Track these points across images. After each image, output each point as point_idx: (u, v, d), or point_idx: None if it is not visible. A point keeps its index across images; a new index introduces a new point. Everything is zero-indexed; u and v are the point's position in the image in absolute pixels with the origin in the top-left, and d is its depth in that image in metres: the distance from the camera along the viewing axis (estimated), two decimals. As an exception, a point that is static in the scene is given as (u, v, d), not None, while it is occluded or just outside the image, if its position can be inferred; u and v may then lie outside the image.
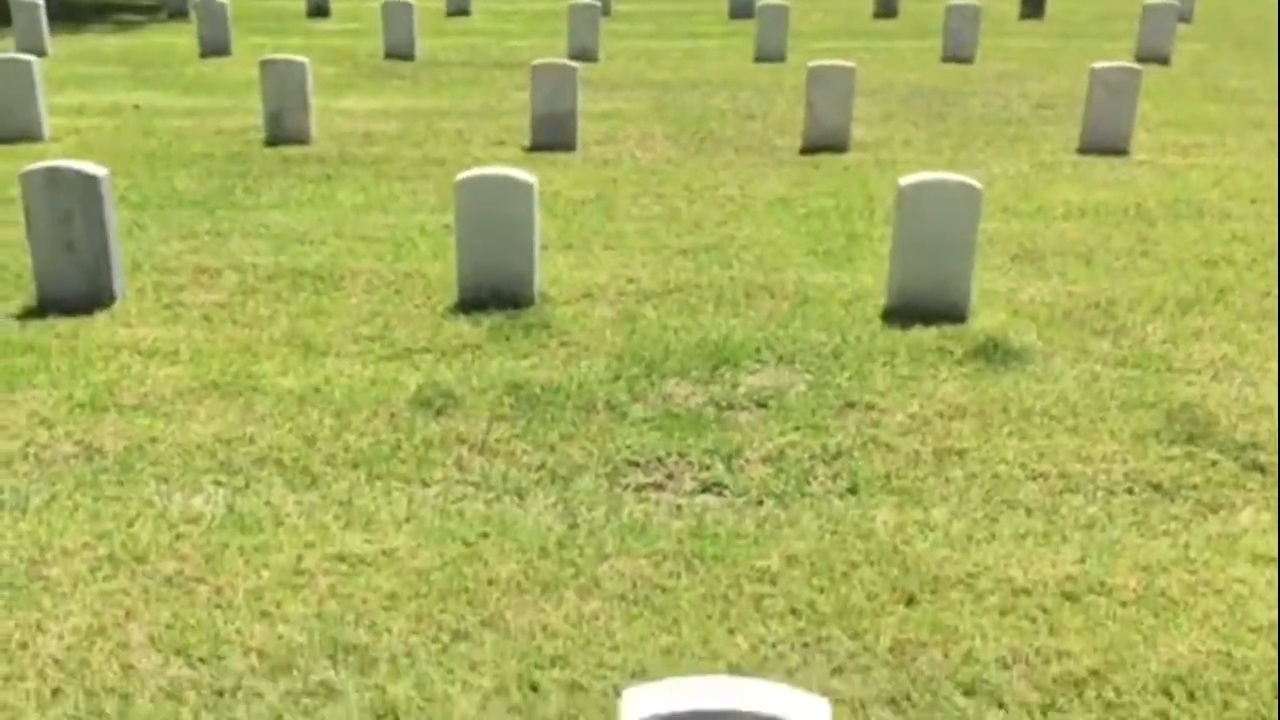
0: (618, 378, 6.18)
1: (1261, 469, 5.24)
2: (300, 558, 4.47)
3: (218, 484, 5.05)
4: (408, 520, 4.81)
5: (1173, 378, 6.22)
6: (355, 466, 5.23)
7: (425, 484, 5.12)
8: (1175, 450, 5.41)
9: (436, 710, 3.65)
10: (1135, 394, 6.01)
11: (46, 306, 7.05)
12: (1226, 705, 3.69)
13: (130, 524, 4.70)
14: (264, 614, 4.12)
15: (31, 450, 5.34)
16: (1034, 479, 5.18)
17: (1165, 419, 5.72)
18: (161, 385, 6.05)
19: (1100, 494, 5.05)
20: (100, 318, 6.98)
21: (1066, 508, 4.94)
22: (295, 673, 3.81)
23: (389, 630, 4.05)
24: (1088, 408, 5.86)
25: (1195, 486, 5.09)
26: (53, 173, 6.97)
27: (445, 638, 4.01)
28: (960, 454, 5.39)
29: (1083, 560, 4.49)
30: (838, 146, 11.69)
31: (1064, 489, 5.10)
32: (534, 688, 3.76)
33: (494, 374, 6.20)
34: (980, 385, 6.11)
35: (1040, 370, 6.32)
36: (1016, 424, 5.68)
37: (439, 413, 5.75)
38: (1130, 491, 5.08)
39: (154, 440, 5.42)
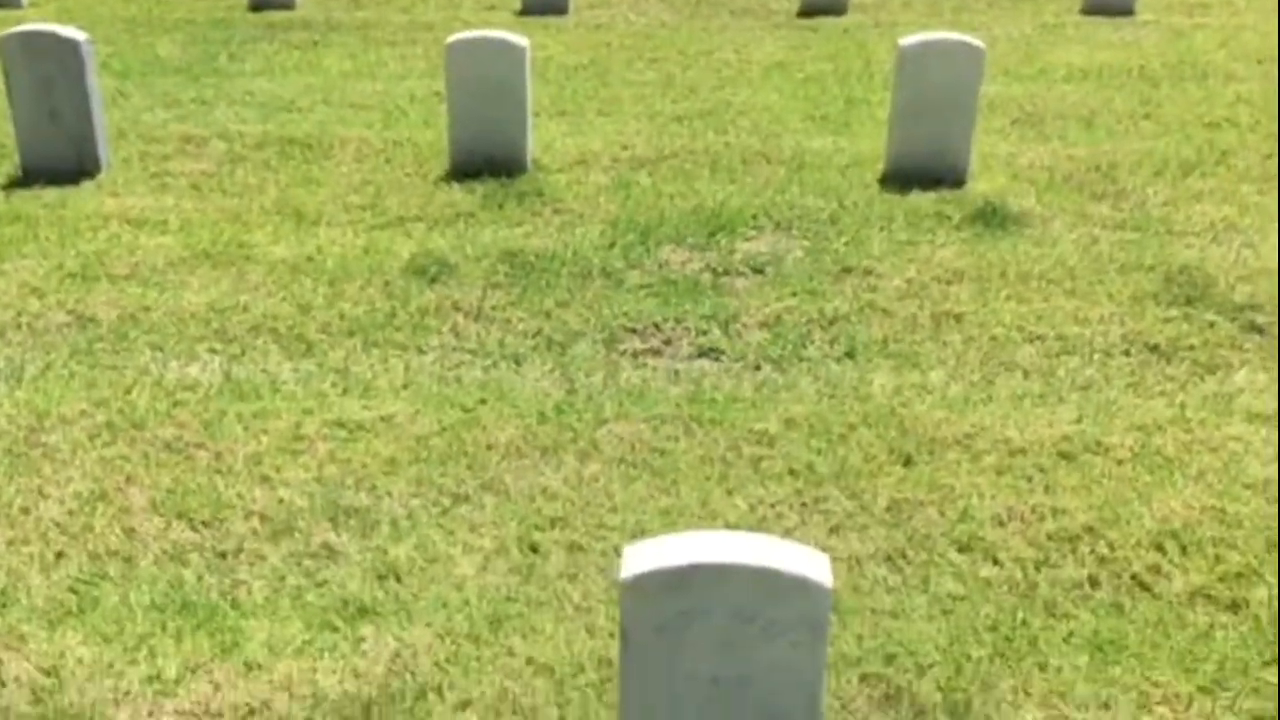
0: (613, 245, 6.12)
1: (1259, 330, 5.23)
2: (299, 424, 4.47)
3: (213, 352, 5.03)
4: (405, 387, 4.80)
5: (1172, 240, 6.18)
6: (351, 334, 5.20)
7: (421, 351, 5.10)
8: (1173, 312, 5.39)
9: (438, 570, 3.69)
10: (1134, 257, 5.97)
11: (32, 176, 6.93)
12: (1218, 559, 3.73)
13: (127, 391, 4.69)
14: (264, 479, 4.14)
15: (24, 320, 5.30)
16: (1031, 341, 5.17)
17: (1163, 281, 5.69)
18: (152, 255, 5.98)
19: (1097, 356, 5.04)
20: (87, 187, 6.87)
21: (1063, 369, 4.94)
22: (297, 535, 3.84)
23: (389, 494, 4.07)
24: (1086, 271, 5.82)
25: (1192, 347, 5.09)
26: (30, 38, 6.78)
27: (445, 501, 4.04)
28: (958, 318, 5.37)
29: (1079, 420, 4.51)
30: (836, 9, 11.41)
31: (1061, 351, 5.09)
32: (534, 548, 3.79)
33: (488, 242, 6.14)
34: (978, 250, 6.06)
35: (1039, 234, 6.27)
36: (1014, 287, 5.65)
37: (433, 281, 5.70)
38: (1127, 353, 5.07)
39: (147, 309, 5.38)
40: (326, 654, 3.32)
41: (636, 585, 2.42)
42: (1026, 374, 4.92)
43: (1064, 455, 4.29)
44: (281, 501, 4.02)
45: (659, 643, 2.46)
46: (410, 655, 3.32)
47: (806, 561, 2.47)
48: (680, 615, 2.43)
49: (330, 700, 3.14)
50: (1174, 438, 4.40)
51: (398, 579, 3.65)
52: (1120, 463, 4.25)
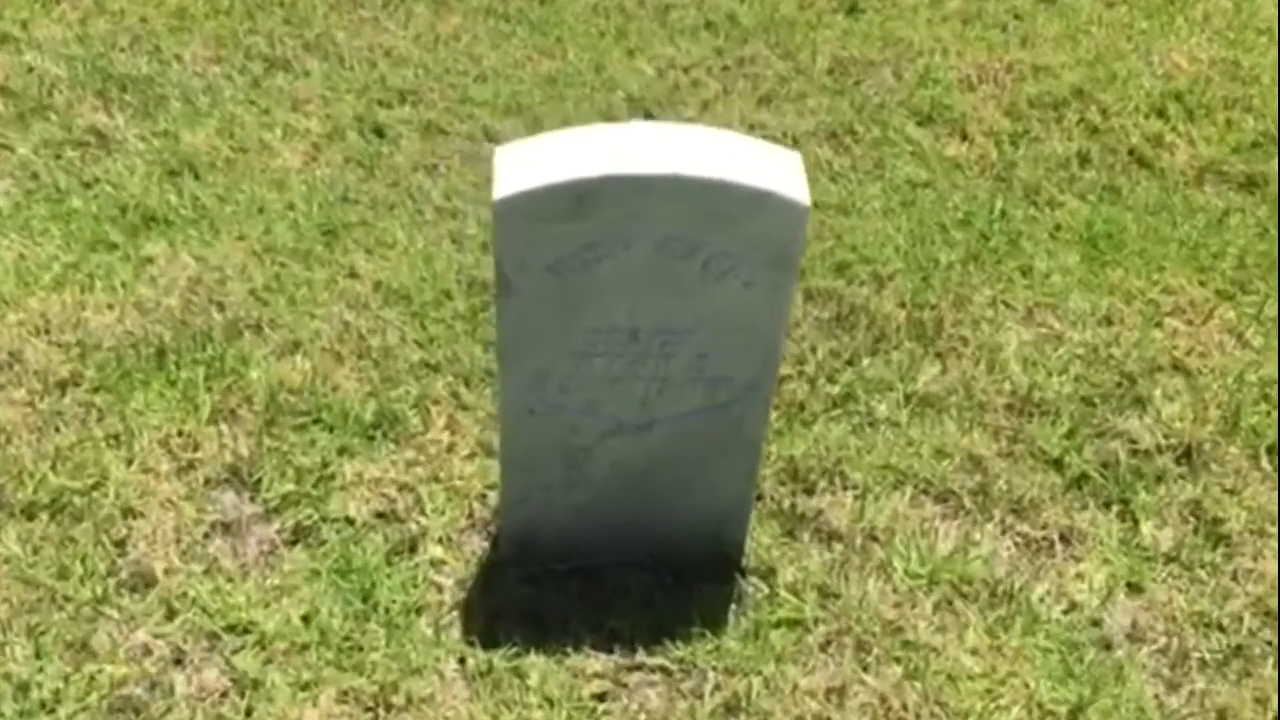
0: None
1: None
2: (50, -37, 3.34)
3: None
4: (197, -88, 3.64)
5: None
6: None
7: None
8: None
9: (251, 163, 2.80)
10: None
11: None
12: (1230, 125, 3.04)
13: None
14: (5, 39, 3.08)
15: None
16: None
17: None
18: None
19: None
20: None
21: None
22: (53, 117, 2.87)
23: (179, 60, 3.07)
24: None
25: None
26: None
27: (256, 68, 3.07)
28: None
29: (1061, -47, 3.63)
30: None
31: None
32: (379, 131, 2.90)
33: None
34: None
35: None
36: None
37: None
38: None
39: None
40: (99, 282, 2.47)
41: (516, 208, 1.60)
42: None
43: (1043, -2, 3.45)
44: (31, 70, 3.00)
45: (553, 287, 1.68)
46: (216, 281, 2.50)
47: (771, 166, 1.66)
48: (585, 249, 1.64)
49: (106, 348, 2.33)
50: (1174, -27, 3.56)
51: (195, 175, 2.76)
52: (1110, 5, 3.43)
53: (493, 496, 2.14)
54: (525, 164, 1.63)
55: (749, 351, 1.79)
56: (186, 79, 3.01)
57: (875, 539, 2.13)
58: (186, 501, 2.12)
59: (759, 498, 2.17)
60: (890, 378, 2.40)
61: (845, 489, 2.22)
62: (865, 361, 2.43)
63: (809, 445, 2.26)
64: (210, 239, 2.59)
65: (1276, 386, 2.37)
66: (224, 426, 2.23)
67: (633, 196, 1.61)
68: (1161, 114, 3.07)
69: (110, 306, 2.42)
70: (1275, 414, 2.33)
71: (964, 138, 2.99)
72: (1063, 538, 2.16)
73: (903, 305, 2.54)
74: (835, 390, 2.37)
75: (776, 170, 1.66)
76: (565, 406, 1.85)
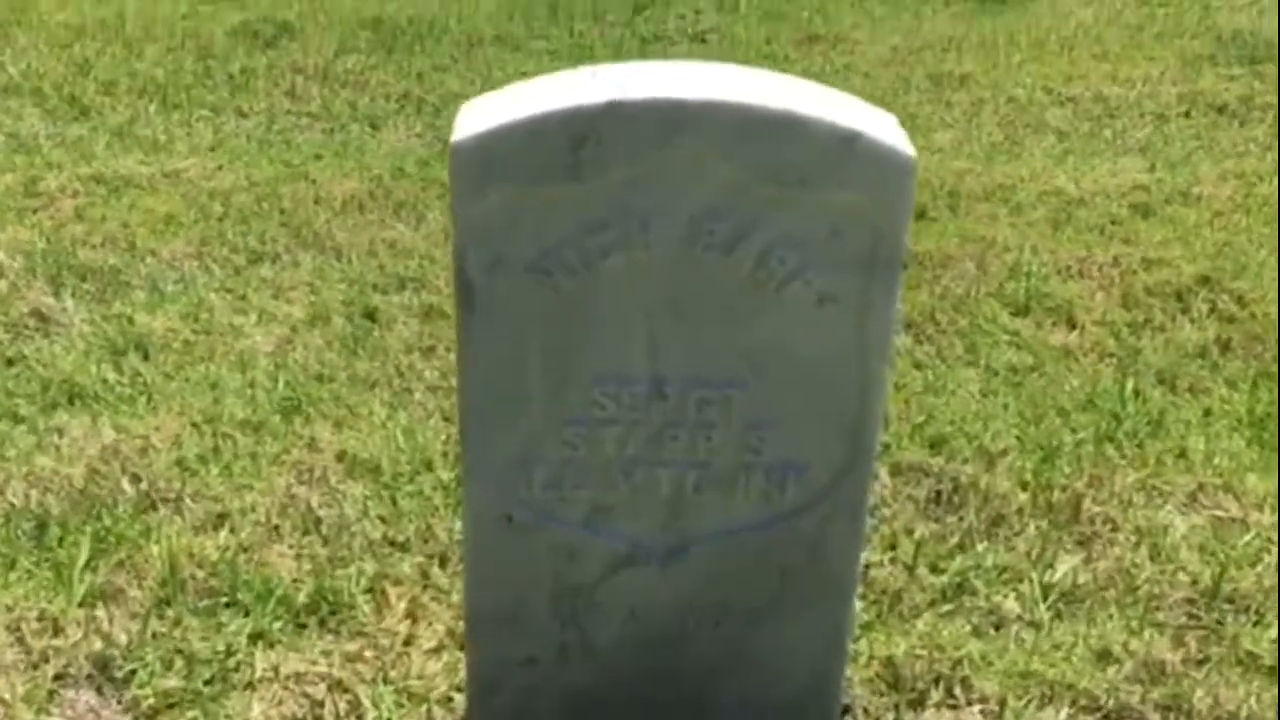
0: (512, 15, 4.74)
1: (1354, 84, 4.03)
2: (36, 180, 3.06)
3: (-66, 103, 3.59)
4: (213, 149, 3.41)
5: (1214, 9, 4.95)
6: (143, 94, 3.79)
7: (243, 114, 3.72)
8: (1237, 70, 4.16)
9: (213, 345, 2.33)
10: (1172, 25, 4.73)
11: None
12: (1395, 318, 2.51)
13: None
14: (-38, 234, 2.75)
15: None
16: (1061, 104, 3.92)
17: (1216, 44, 4.46)
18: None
19: (1148, 117, 3.81)
20: None
21: (1109, 131, 3.70)
22: (-9, 300, 2.46)
23: (153, 254, 2.69)
24: (1116, 38, 4.57)
25: (1271, 106, 3.87)
26: None
27: (240, 260, 2.67)
28: (962, 80, 4.10)
29: (1152, 169, 3.26)
30: None
31: (1103, 113, 3.84)
32: (369, 315, 2.45)
33: (346, 9, 4.72)
34: (976, 22, 4.79)
35: (1046, 8, 5.00)
36: (1029, 52, 4.38)
37: (269, 45, 4.29)
38: (1188, 114, 3.84)
39: None
40: (-10, 449, 1.95)
41: (482, 159, 1.09)
42: (1062, 135, 3.67)
43: (1141, 209, 3.03)
44: (-17, 262, 2.62)
45: (538, 302, 1.14)
46: (136, 451, 1.96)
47: (856, 110, 1.16)
48: (584, 233, 1.11)
49: (-31, 515, 1.77)
50: (1284, 188, 3.17)
51: (145, 355, 2.28)
52: (1220, 214, 3.00)
53: (460, 701, 1.48)
54: (503, 104, 1.13)
55: (829, 420, 1.20)
56: (158, 270, 2.61)
57: (1025, 770, 1.43)
58: (23, 703, 1.48)
59: (846, 710, 1.50)
60: (1018, 565, 1.76)
61: (971, 702, 1.53)
62: (980, 546, 1.79)
63: (913, 644, 1.60)
64: (143, 413, 2.08)
65: None
66: (101, 609, 1.62)
67: (653, 139, 1.09)
68: (1305, 304, 2.55)
69: (-5, 479, 1.88)
70: None
71: (1072, 325, 2.47)
72: (1308, 772, 1.44)
73: (1023, 485, 1.93)
74: (943, 580, 1.73)
75: (863, 114, 1.15)
76: (556, 514, 1.24)
